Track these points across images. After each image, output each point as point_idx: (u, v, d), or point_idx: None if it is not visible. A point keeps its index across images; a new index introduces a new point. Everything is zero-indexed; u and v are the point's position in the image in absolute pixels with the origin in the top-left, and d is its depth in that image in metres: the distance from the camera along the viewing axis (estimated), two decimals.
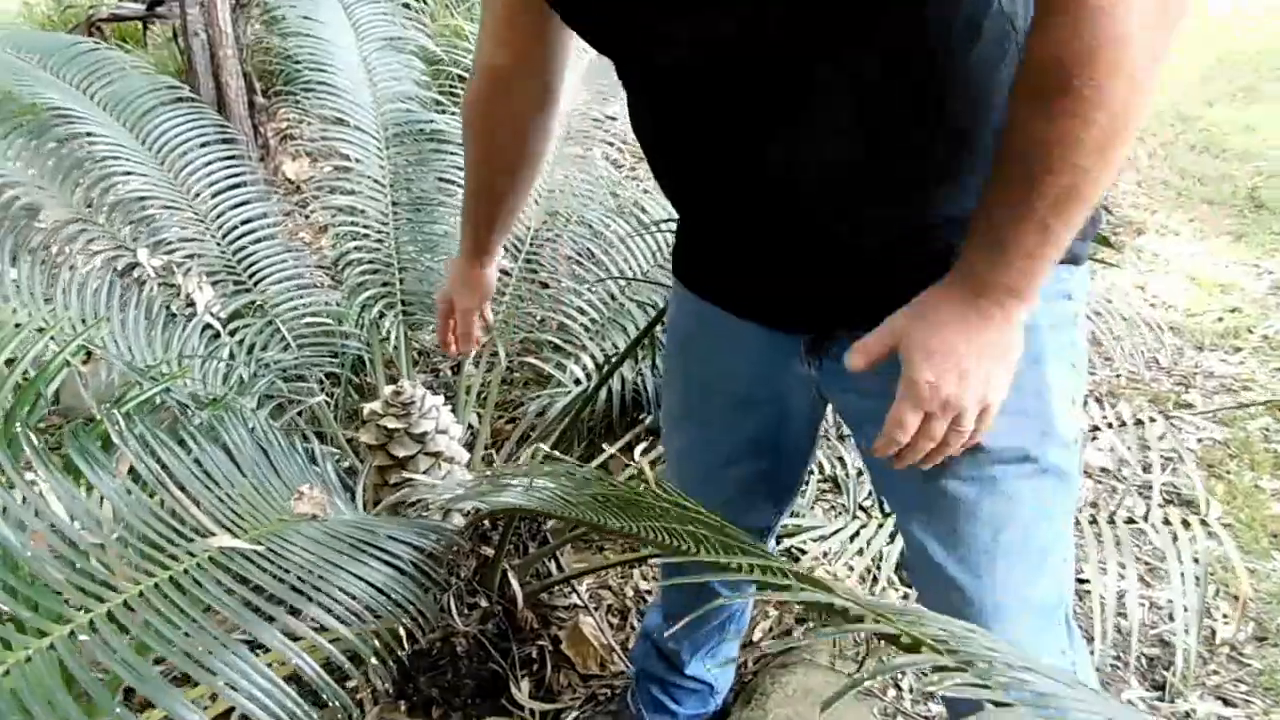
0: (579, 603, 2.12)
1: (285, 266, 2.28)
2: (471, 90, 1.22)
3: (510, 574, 1.81)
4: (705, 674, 1.65)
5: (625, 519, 1.01)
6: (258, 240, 2.30)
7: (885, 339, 0.90)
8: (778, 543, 2.10)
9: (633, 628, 2.15)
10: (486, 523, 1.76)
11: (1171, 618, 1.84)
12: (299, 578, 1.11)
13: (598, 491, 1.14)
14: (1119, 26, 0.71)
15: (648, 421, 2.16)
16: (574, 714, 1.90)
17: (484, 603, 1.89)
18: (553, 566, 2.12)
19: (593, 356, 2.22)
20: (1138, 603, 1.65)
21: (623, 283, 2.29)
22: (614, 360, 1.90)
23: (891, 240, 0.94)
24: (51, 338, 1.34)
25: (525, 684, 1.93)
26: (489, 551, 1.81)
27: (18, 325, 1.27)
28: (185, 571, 1.03)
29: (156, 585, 0.99)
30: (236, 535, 1.14)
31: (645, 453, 2.19)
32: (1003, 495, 0.98)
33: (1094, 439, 2.01)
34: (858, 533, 1.80)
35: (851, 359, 0.91)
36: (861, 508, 1.90)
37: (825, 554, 2.11)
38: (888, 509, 1.85)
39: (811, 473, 2.02)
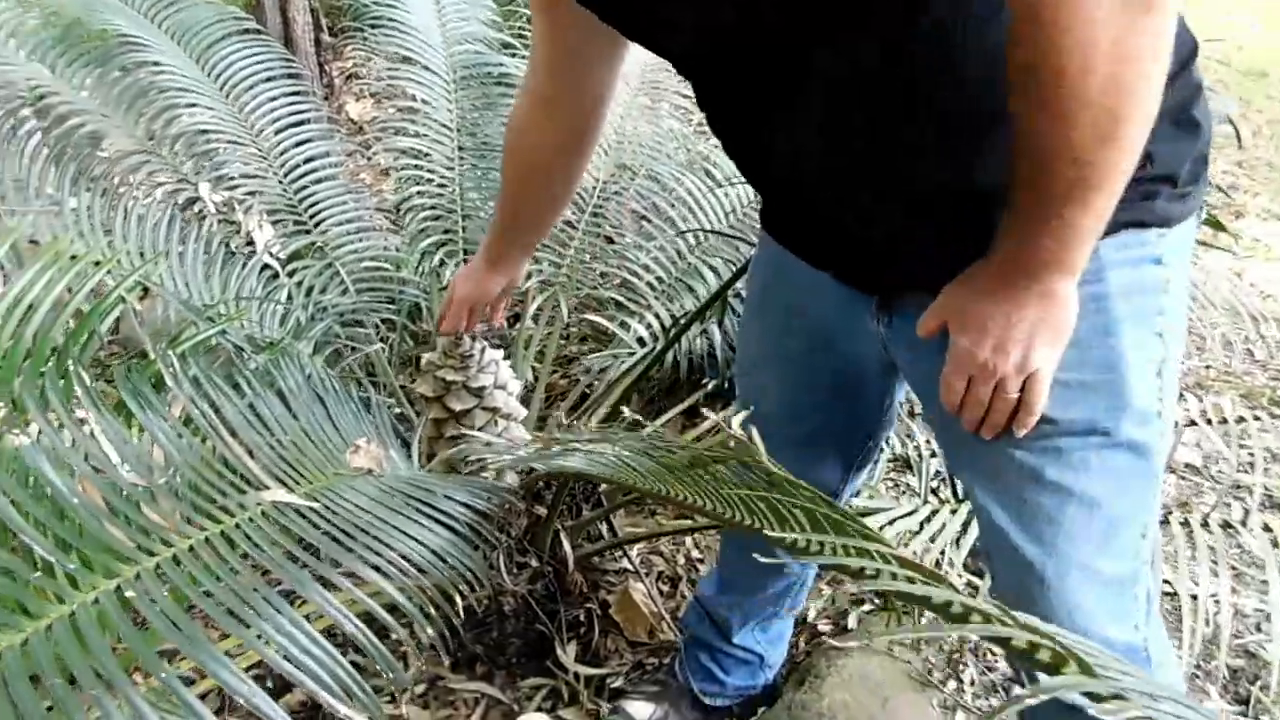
0: (630, 567, 2.07)
1: (346, 209, 2.23)
2: (514, 109, 1.30)
3: (562, 535, 1.77)
4: (755, 645, 1.62)
5: (693, 490, 0.96)
6: (319, 180, 2.25)
7: (937, 310, 0.95)
8: None
9: (683, 596, 2.09)
10: (541, 482, 1.71)
11: (1259, 628, 1.73)
12: (351, 535, 1.05)
13: (663, 459, 1.08)
14: (1079, 30, 0.72)
15: (710, 386, 2.09)
16: (619, 680, 1.86)
17: (534, 562, 1.85)
18: (604, 529, 2.07)
19: (657, 316, 2.14)
20: (1225, 610, 1.55)
21: (692, 242, 2.19)
22: (683, 321, 1.82)
23: (910, 223, 0.98)
24: (109, 271, 1.29)
25: (571, 647, 1.90)
26: (541, 511, 1.77)
27: (74, 257, 1.22)
28: (237, 526, 0.98)
29: (207, 539, 0.94)
30: (290, 489, 1.09)
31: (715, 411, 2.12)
32: (1069, 466, 0.97)
33: (1181, 434, 1.89)
34: (930, 518, 1.70)
35: (919, 327, 0.96)
36: (933, 491, 1.82)
37: (894, 537, 2.03)
38: (960, 491, 1.76)
39: (882, 450, 1.95)
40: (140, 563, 0.86)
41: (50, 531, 0.84)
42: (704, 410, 2.20)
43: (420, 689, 1.85)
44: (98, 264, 1.28)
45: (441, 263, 2.26)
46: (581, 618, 1.93)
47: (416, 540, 1.15)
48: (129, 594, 0.82)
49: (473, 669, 1.91)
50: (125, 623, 0.79)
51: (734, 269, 1.98)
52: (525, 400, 2.27)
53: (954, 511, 1.75)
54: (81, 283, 1.22)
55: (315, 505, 1.04)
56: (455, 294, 1.54)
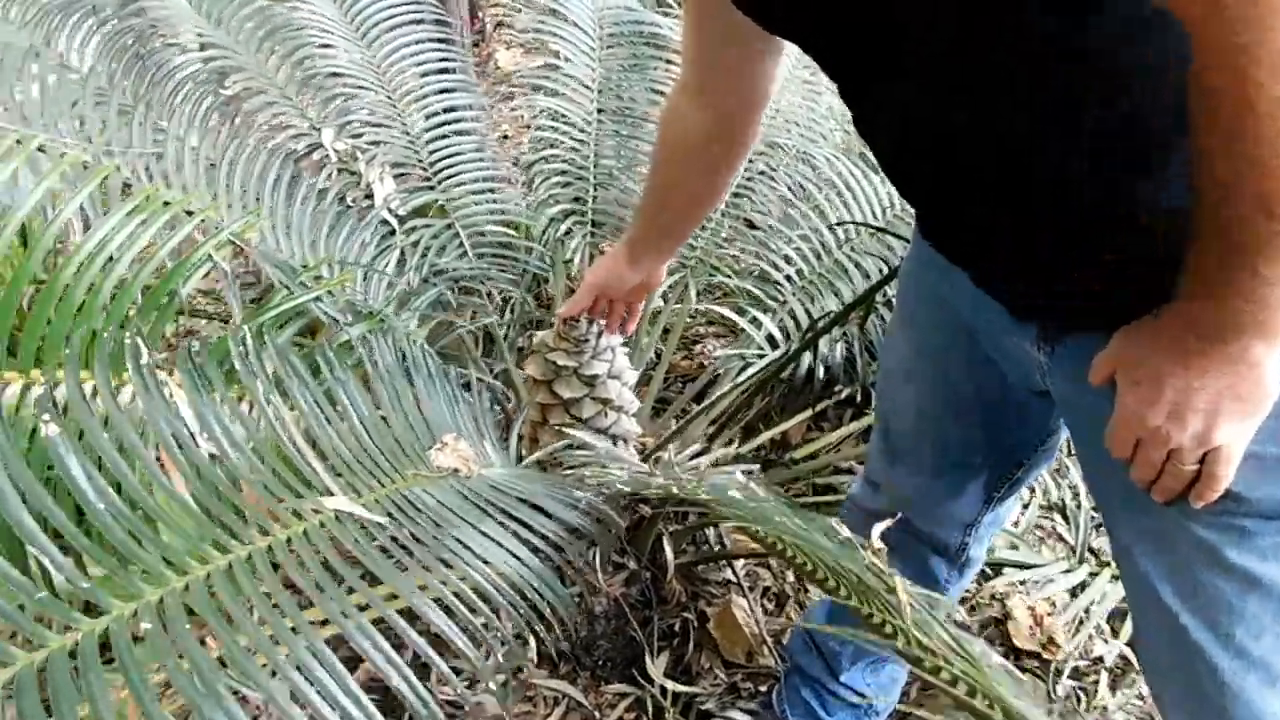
0: (733, 580, 1.91)
1: (476, 167, 2.10)
2: (669, 94, 1.26)
3: (665, 539, 1.67)
4: (864, 687, 1.51)
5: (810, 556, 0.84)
6: (453, 134, 2.13)
7: (1110, 357, 0.86)
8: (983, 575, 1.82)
9: (789, 618, 1.93)
10: None
11: None
12: (414, 554, 0.92)
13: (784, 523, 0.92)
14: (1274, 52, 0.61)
15: (844, 393, 1.89)
16: (710, 702, 1.72)
17: (632, 564, 1.74)
18: (711, 536, 1.92)
19: (793, 314, 1.94)
20: None
21: (840, 236, 1.98)
22: (823, 323, 1.62)
23: (1066, 251, 0.88)
24: (201, 222, 1.18)
25: (663, 659, 1.78)
26: (645, 511, 1.65)
27: (167, 203, 1.12)
28: (287, 540, 0.86)
29: (268, 548, 0.83)
30: (358, 494, 0.97)
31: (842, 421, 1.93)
32: (1256, 551, 0.86)
33: None
34: (1088, 583, 1.47)
35: (1091, 374, 0.87)
36: (1091, 551, 1.58)
37: (1023, 583, 1.80)
38: (1114, 548, 1.52)
39: (1032, 489, 1.74)
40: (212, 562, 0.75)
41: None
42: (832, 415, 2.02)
43: (500, 678, 1.75)
44: (191, 213, 1.17)
45: (568, 231, 2.11)
46: (676, 628, 1.81)
47: (491, 566, 1.01)
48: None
49: (556, 667, 1.80)
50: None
51: (884, 271, 1.75)
52: (645, 382, 2.12)
53: (1116, 578, 1.51)
54: (171, 235, 1.12)
55: (378, 518, 0.91)
56: (588, 277, 1.48)
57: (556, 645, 1.76)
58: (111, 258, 1.02)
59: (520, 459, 1.78)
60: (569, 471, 1.42)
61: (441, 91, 2.11)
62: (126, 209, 1.06)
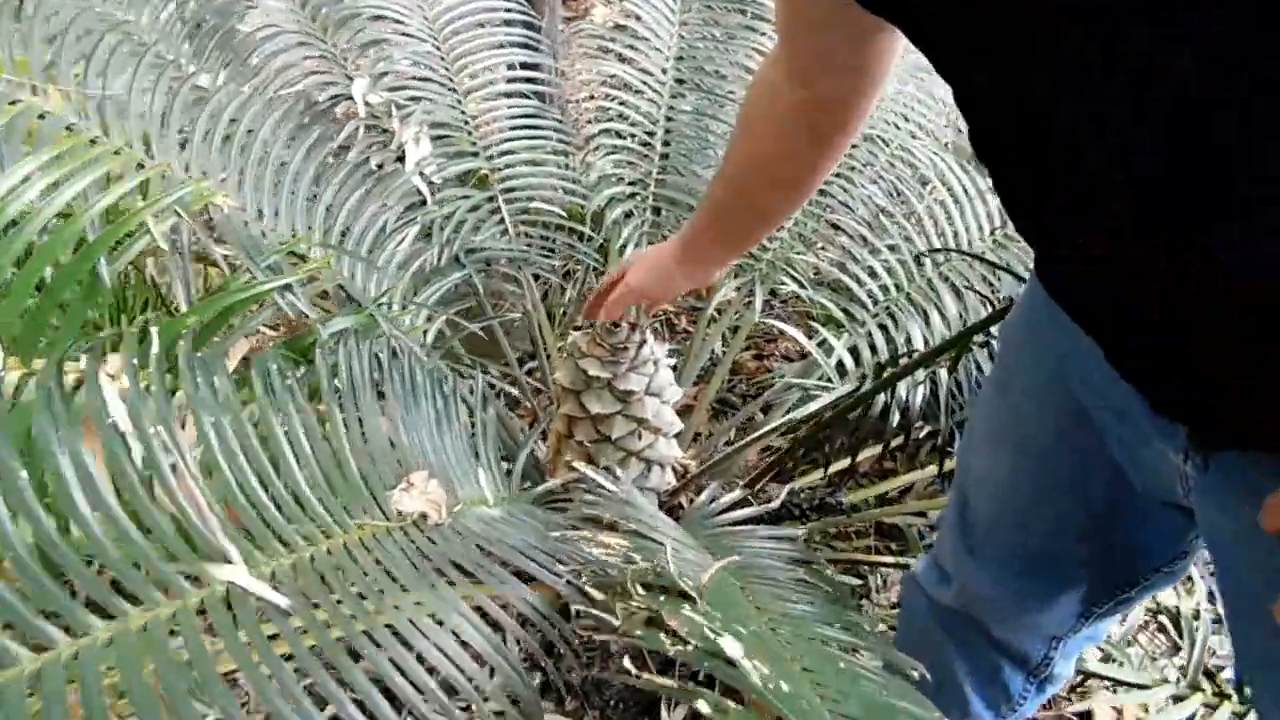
0: None
1: (531, 133, 1.86)
2: (759, 68, 1.06)
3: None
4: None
5: None
6: (510, 95, 1.89)
7: None
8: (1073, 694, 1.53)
9: None
10: None
11: None
12: (324, 645, 0.69)
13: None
14: None
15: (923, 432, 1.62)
16: None
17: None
18: None
19: (870, 338, 1.66)
20: None
21: (942, 254, 1.69)
22: (908, 360, 1.34)
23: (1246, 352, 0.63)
24: (164, 177, 0.96)
25: (680, 711, 1.55)
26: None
27: (117, 153, 0.91)
28: (174, 616, 0.64)
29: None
30: (276, 555, 0.74)
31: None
32: None
33: None
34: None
35: (1263, 518, 0.65)
36: (1208, 675, 1.28)
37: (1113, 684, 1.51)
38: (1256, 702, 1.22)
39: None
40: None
41: None
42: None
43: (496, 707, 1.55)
44: (142, 167, 0.96)
45: (627, 215, 1.86)
46: (701, 676, 1.58)
47: (441, 651, 0.79)
48: None
49: (562, 702, 1.60)
50: None
51: (990, 306, 1.46)
52: (703, 379, 1.87)
53: (1241, 718, 1.22)
54: (104, 195, 0.90)
55: (279, 599, 0.69)
56: (628, 276, 1.29)
57: (565, 677, 1.56)
58: (14, 221, 0.81)
59: (531, 481, 1.55)
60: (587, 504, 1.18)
61: (499, 47, 1.87)
62: (44, 158, 0.84)
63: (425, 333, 1.32)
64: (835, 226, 1.90)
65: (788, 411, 1.67)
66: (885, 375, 1.32)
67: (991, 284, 1.64)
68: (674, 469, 1.66)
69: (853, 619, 0.98)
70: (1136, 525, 0.95)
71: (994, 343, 1.33)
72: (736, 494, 1.35)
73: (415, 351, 1.11)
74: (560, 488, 1.29)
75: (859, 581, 1.90)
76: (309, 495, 0.81)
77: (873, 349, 1.66)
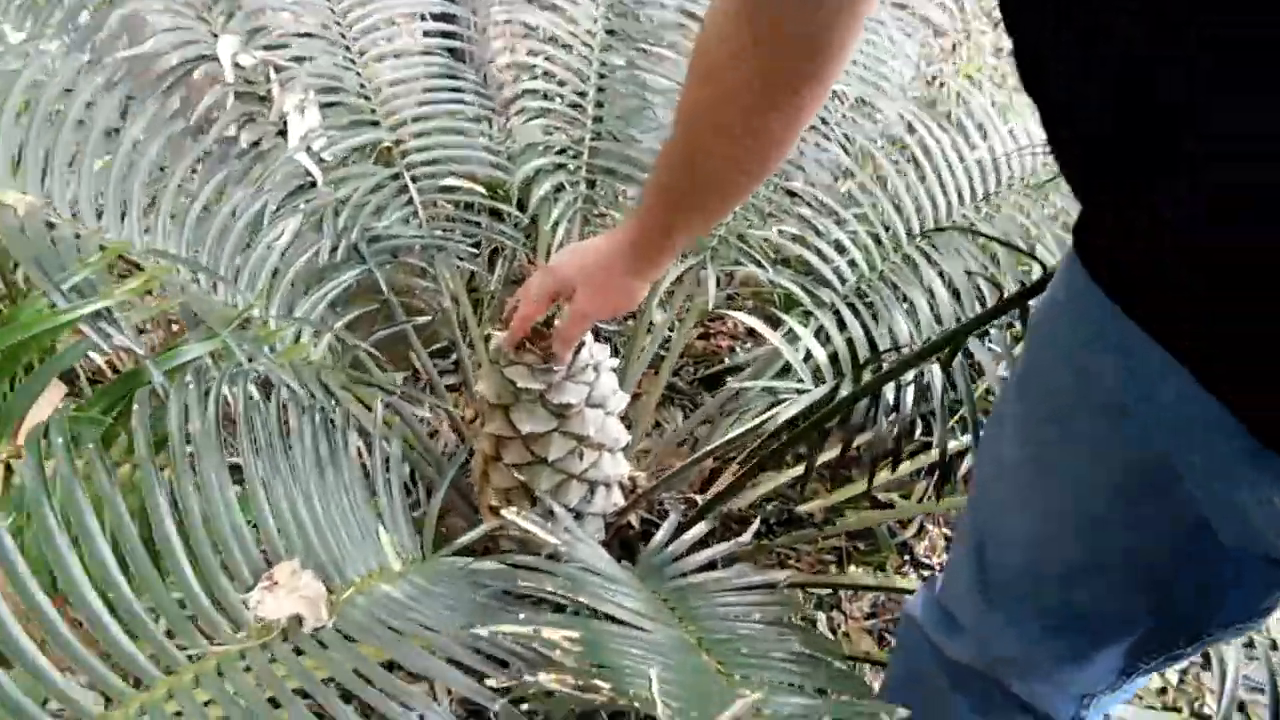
0: None
1: (443, 97, 1.60)
2: (707, 12, 0.84)
3: None
4: None
5: None
6: (417, 52, 1.62)
7: None
8: None
9: None
10: None
11: None
12: None
13: None
14: None
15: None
16: None
17: None
18: None
19: (841, 324, 1.44)
20: None
21: (916, 222, 1.47)
22: (895, 360, 1.13)
23: None
24: None
25: None
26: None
27: None
28: None
29: None
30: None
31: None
32: None
33: None
34: None
35: None
36: (1241, 706, 1.10)
37: None
38: None
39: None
40: None
41: None
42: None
43: None
44: None
45: (556, 190, 1.61)
46: None
47: None
48: None
49: None
50: None
51: (985, 291, 1.25)
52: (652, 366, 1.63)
53: None
54: None
55: None
56: (580, 304, 1.05)
57: None
58: None
59: (460, 517, 1.32)
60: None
61: None
62: None
63: (311, 349, 1.07)
64: (792, 194, 1.67)
65: (747, 410, 1.46)
66: (870, 378, 1.11)
67: (983, 266, 1.43)
68: (620, 486, 1.44)
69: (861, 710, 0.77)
70: (1211, 577, 0.76)
71: (998, 334, 1.13)
72: (701, 527, 1.12)
73: (288, 384, 0.86)
74: (486, 536, 1.06)
75: (826, 590, 1.71)
76: (109, 624, 0.56)
77: (847, 338, 1.44)
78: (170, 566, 0.63)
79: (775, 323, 1.51)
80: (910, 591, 1.58)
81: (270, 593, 0.70)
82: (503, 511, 1.00)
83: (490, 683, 0.70)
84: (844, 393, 1.19)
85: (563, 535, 0.97)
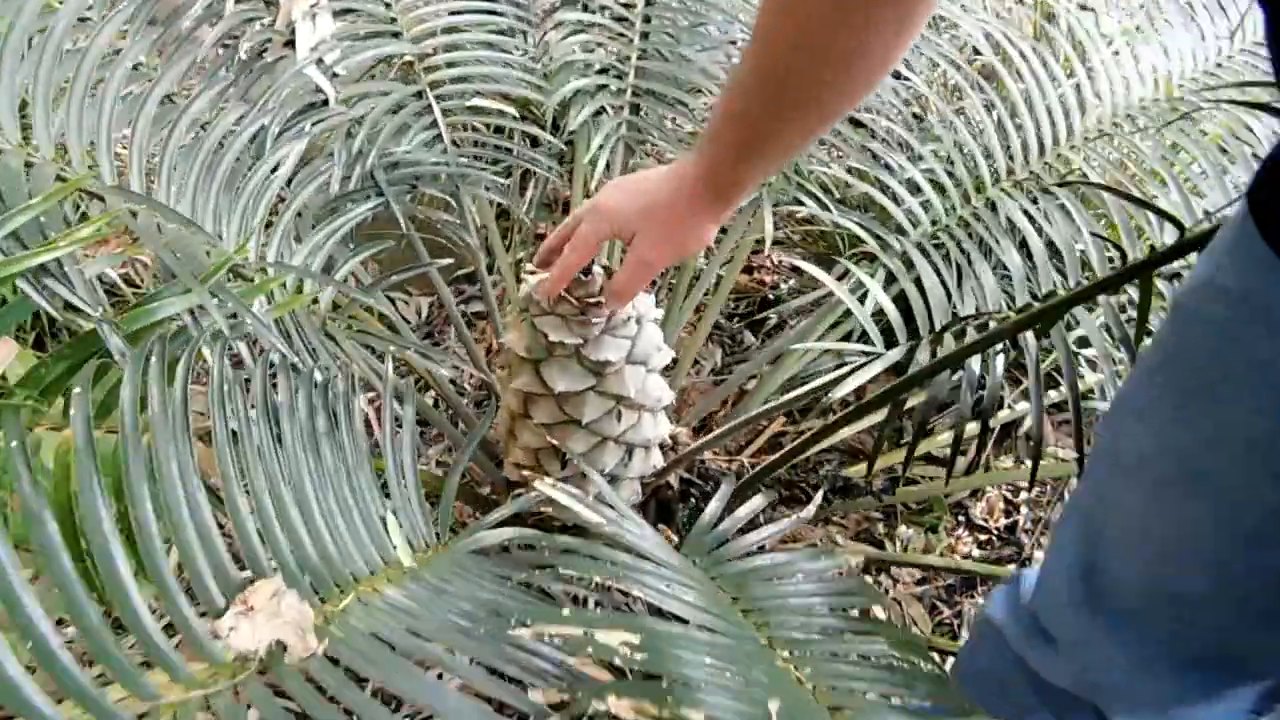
0: None
1: (476, 7, 1.42)
2: None
3: None
4: None
5: None
6: None
7: None
8: None
9: None
10: None
11: None
12: None
13: None
14: None
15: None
16: None
17: None
18: None
19: (919, 283, 1.27)
20: None
21: (1001, 166, 1.30)
22: (996, 328, 0.97)
23: None
24: None
25: None
26: None
27: None
28: None
29: None
30: None
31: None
32: None
33: None
34: None
35: None
36: None
37: None
38: None
39: None
40: None
41: None
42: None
43: None
44: None
45: (597, 114, 1.45)
46: None
47: None
48: None
49: None
50: None
51: (1104, 241, 1.08)
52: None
53: None
54: None
55: None
56: (639, 251, 0.89)
57: None
58: None
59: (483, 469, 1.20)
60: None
61: None
62: None
63: (319, 296, 0.93)
64: (858, 124, 1.50)
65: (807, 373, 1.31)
66: (956, 347, 0.95)
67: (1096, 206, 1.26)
68: (662, 444, 1.30)
69: None
70: None
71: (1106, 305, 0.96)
72: (759, 500, 0.98)
73: (278, 347, 0.72)
74: (516, 507, 0.92)
75: (875, 550, 1.59)
76: (12, 674, 0.44)
77: (925, 302, 1.27)
78: (112, 588, 0.50)
79: (827, 266, 1.35)
80: (994, 578, 1.44)
81: (246, 619, 0.57)
82: (534, 484, 0.87)
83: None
84: (922, 359, 1.04)
85: (606, 512, 0.84)
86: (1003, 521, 1.68)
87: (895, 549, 1.62)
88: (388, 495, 0.81)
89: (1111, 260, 1.12)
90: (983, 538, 1.67)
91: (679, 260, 1.00)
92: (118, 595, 0.51)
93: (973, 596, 1.53)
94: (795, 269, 2.02)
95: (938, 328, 1.12)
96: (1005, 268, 1.17)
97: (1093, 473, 0.80)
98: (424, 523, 0.84)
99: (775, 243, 1.76)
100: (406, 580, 0.73)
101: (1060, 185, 1.16)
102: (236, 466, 0.63)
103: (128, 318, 0.67)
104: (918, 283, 1.20)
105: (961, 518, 1.70)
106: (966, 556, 1.61)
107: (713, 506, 0.96)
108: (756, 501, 0.96)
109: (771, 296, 1.97)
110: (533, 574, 0.71)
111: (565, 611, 0.60)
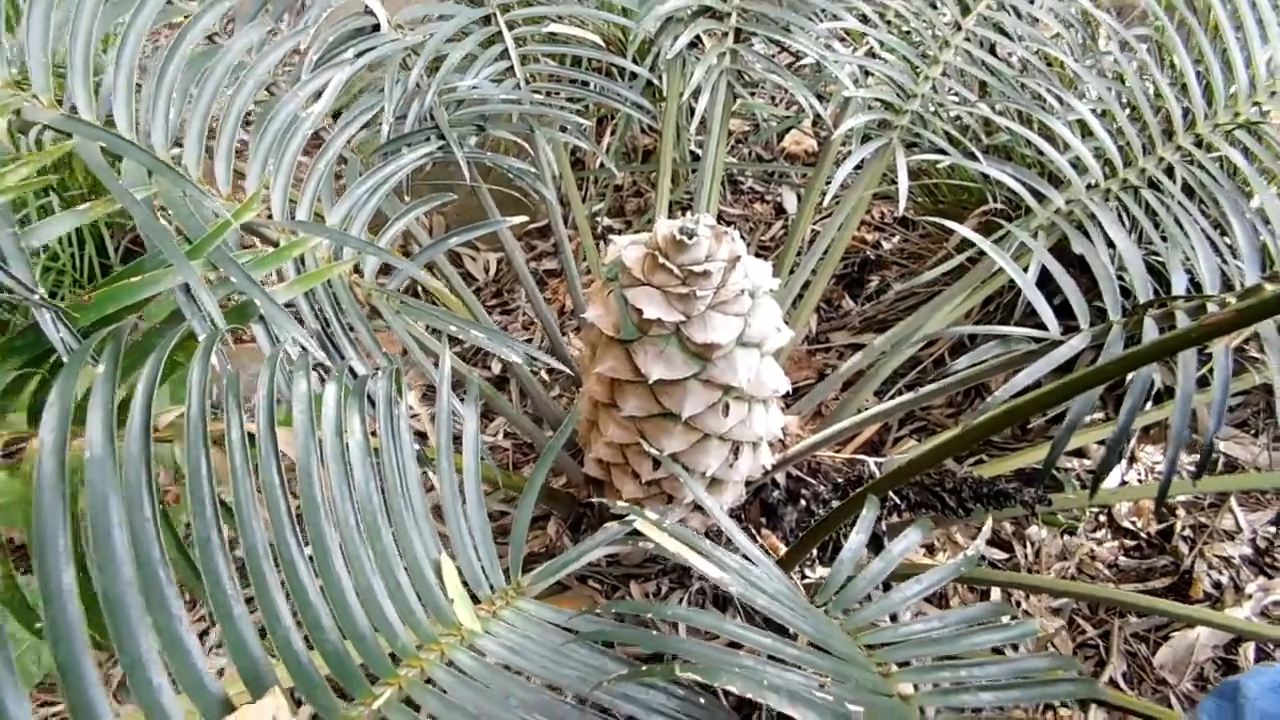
0: None
1: None
2: None
3: None
4: None
5: None
6: None
7: None
8: None
9: None
10: None
11: None
12: None
13: None
14: None
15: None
16: None
17: None
18: None
19: (1111, 244, 1.03)
20: None
21: (1192, 105, 1.04)
22: (1223, 313, 0.74)
23: None
24: None
25: None
26: None
27: None
28: None
29: None
30: None
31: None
32: None
33: None
34: None
35: None
36: None
37: None
38: None
39: None
40: None
41: None
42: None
43: None
44: None
45: (692, 46, 1.23)
46: None
47: None
48: None
49: None
50: None
51: None
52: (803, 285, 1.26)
53: None
54: None
55: None
56: None
57: None
58: None
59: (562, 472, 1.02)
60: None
61: None
62: None
63: (355, 270, 0.74)
64: (1003, 63, 1.25)
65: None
66: (1160, 337, 0.72)
67: None
68: (772, 442, 1.10)
69: None
70: None
71: None
72: (914, 536, 0.77)
73: (301, 344, 0.54)
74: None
75: (1004, 556, 1.37)
76: None
77: (1083, 269, 1.04)
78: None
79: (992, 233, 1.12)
80: (1155, 613, 1.22)
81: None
82: (637, 524, 0.67)
83: None
84: (1116, 350, 0.81)
85: (728, 560, 0.64)
86: (1153, 527, 1.44)
87: (1026, 551, 1.40)
88: (441, 517, 0.63)
89: None
90: (1130, 543, 1.43)
91: None
92: None
93: (1123, 615, 1.31)
94: (902, 222, 1.78)
95: (1127, 307, 0.88)
96: (1216, 231, 0.93)
97: None
98: (488, 559, 0.65)
99: (880, 196, 1.53)
100: (465, 654, 0.54)
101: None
102: (224, 529, 0.44)
103: (94, 301, 0.49)
104: (1109, 244, 0.96)
105: (1103, 516, 1.46)
106: (1111, 565, 1.39)
107: (855, 542, 0.75)
108: (913, 537, 0.75)
109: (872, 256, 1.74)
110: (635, 668, 0.51)
111: None
